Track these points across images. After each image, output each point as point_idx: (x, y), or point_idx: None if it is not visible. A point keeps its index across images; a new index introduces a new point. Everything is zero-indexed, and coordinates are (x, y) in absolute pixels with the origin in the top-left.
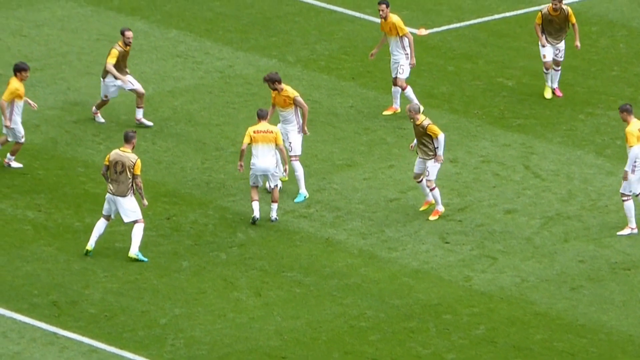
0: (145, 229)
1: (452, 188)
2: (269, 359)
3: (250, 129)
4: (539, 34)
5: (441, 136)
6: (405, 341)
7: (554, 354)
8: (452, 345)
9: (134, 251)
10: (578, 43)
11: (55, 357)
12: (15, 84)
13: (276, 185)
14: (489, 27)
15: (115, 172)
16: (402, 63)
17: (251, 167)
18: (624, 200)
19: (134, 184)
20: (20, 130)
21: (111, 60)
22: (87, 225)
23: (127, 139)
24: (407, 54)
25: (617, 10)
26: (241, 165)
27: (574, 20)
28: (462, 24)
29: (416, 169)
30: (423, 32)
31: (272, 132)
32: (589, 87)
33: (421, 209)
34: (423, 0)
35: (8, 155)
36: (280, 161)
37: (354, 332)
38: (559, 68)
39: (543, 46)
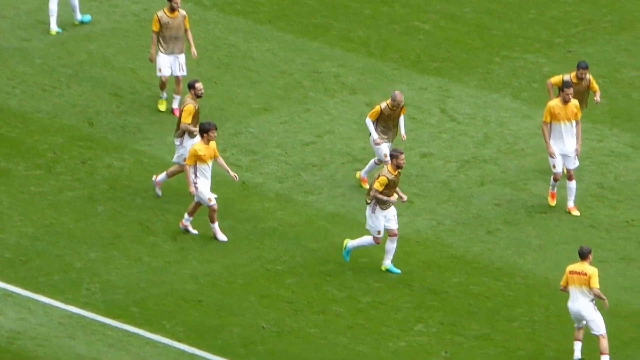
0: (58, 172)
1: (368, 132)
2: (184, 302)
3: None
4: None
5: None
6: (321, 284)
7: (470, 297)
8: (368, 288)
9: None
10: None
11: None
12: (197, 146)
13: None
14: None
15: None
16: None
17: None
18: None
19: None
20: (205, 195)
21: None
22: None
23: None
24: None
25: None
26: None
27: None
28: None
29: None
30: None
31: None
32: (506, 30)
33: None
34: None
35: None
36: None
37: (270, 275)
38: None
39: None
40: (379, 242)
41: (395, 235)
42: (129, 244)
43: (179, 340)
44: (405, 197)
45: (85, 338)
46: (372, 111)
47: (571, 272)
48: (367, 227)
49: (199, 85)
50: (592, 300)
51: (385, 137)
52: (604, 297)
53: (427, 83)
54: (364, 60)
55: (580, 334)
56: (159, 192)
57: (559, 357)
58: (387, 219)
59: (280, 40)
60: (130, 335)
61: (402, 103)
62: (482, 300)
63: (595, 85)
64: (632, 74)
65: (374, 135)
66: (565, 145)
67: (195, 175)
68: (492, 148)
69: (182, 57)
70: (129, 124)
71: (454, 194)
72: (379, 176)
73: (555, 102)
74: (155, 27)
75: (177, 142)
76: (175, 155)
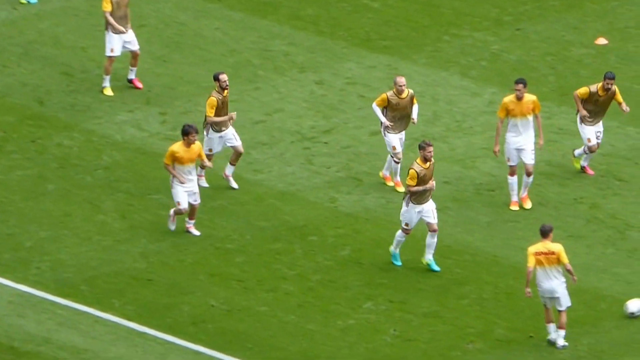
0: (9, 151)
1: (317, 110)
2: (134, 281)
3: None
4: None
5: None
6: (271, 263)
7: (419, 275)
8: (317, 266)
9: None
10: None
11: None
12: (175, 147)
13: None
14: None
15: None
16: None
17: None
18: None
19: None
20: (178, 197)
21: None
22: None
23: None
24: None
25: None
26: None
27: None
28: None
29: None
30: None
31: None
32: (455, 8)
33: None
34: None
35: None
36: None
37: (220, 254)
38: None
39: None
40: (407, 233)
41: (434, 230)
42: (79, 223)
43: (129, 319)
44: (432, 184)
45: (35, 317)
46: (378, 98)
47: (537, 254)
48: (401, 215)
49: (223, 77)
50: (564, 281)
51: (394, 127)
52: (574, 275)
53: (376, 61)
54: (314, 39)
55: (551, 315)
56: (235, 185)
57: (507, 334)
58: (424, 214)
59: (229, 18)
60: (80, 313)
61: (404, 85)
62: (431, 278)
63: (620, 97)
64: (581, 51)
65: (382, 118)
66: (522, 140)
67: (174, 176)
68: (440, 126)
69: (131, 32)
70: (79, 103)
71: (403, 172)
72: (409, 171)
73: (509, 98)
74: (109, 7)
75: (204, 133)
76: (205, 147)
